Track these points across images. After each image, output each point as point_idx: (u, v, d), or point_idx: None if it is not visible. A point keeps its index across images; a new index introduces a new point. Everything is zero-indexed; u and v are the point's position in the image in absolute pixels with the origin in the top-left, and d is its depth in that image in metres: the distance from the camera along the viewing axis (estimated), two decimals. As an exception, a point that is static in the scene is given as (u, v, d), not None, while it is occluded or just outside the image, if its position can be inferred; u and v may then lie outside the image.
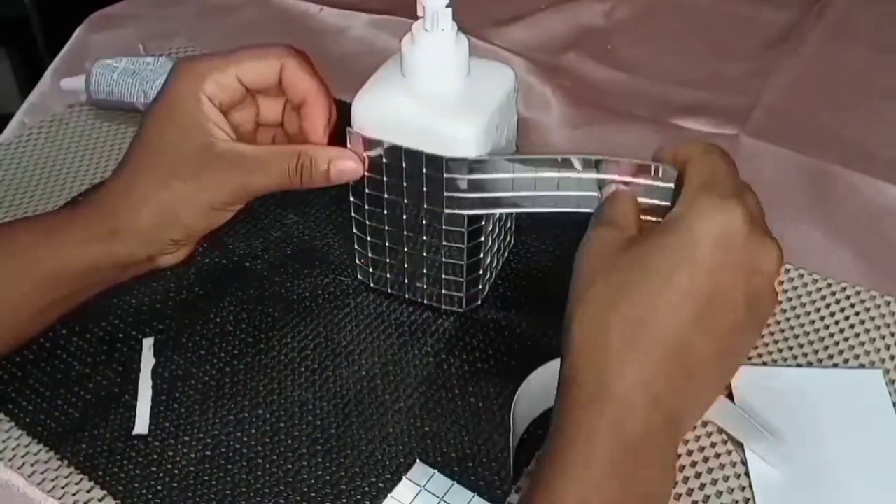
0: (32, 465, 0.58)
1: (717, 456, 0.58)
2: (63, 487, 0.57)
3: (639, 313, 0.47)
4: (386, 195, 0.61)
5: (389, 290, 0.67)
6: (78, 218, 0.59)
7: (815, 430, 0.59)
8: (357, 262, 0.67)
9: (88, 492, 0.56)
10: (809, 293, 0.68)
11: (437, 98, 0.57)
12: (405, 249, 0.63)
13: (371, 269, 0.66)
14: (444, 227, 0.61)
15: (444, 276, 0.64)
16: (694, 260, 0.47)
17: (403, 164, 0.58)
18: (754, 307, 0.49)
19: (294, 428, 0.59)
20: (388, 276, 0.66)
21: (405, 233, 0.62)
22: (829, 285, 0.68)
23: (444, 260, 0.63)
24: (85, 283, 0.60)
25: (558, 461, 0.46)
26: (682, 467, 0.57)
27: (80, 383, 0.62)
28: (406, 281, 0.65)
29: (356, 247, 0.66)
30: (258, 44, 0.59)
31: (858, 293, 0.67)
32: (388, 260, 0.65)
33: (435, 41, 0.56)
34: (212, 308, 0.66)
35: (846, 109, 0.86)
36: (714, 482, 0.57)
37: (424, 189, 0.59)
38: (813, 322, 0.66)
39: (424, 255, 0.63)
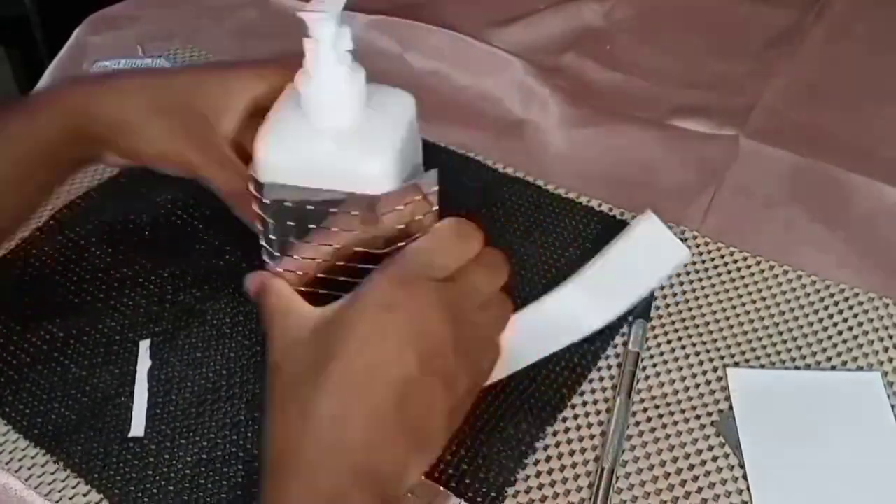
0: (29, 469, 0.58)
1: (715, 459, 0.58)
2: (60, 491, 0.57)
3: (306, 386, 0.47)
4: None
5: None
6: (58, 92, 0.64)
7: (813, 433, 0.59)
8: None
9: (85, 495, 0.56)
10: (808, 295, 0.68)
11: (341, 135, 0.53)
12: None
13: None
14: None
15: None
16: (355, 332, 0.47)
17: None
18: (441, 373, 0.48)
19: (291, 431, 0.59)
20: None
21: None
22: (828, 287, 0.68)
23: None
24: (54, 157, 0.62)
25: None
26: (680, 470, 0.57)
27: (76, 386, 0.62)
28: None
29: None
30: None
31: (857, 295, 0.67)
32: None
33: (329, 75, 0.53)
34: (208, 310, 0.66)
35: (846, 110, 0.86)
36: (712, 486, 0.57)
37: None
38: (812, 324, 0.66)
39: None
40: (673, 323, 0.66)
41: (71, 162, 0.64)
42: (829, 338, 0.65)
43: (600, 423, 0.60)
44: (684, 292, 0.68)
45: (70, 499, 0.56)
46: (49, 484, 0.57)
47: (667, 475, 0.57)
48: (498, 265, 0.53)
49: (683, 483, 0.57)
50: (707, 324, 0.66)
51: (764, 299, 0.67)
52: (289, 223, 0.54)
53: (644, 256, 0.68)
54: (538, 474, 0.57)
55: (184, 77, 0.64)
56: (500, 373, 0.56)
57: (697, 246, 0.71)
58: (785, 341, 0.65)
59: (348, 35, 0.52)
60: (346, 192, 0.52)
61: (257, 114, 0.58)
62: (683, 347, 0.64)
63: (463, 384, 0.50)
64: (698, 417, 0.60)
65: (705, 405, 0.61)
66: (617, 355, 0.64)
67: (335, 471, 0.45)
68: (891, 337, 0.64)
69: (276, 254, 0.55)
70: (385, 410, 0.46)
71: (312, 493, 0.45)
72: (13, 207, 0.63)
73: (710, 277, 0.69)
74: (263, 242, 0.56)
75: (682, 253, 0.67)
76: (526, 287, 0.68)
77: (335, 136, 0.53)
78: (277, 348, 0.50)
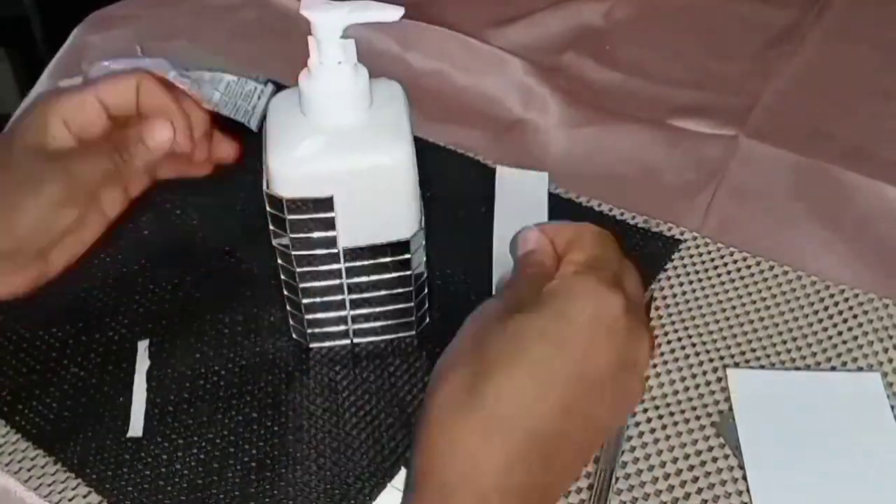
0: (29, 471, 0.58)
1: (715, 460, 0.58)
2: (60, 492, 0.57)
3: (501, 403, 0.44)
4: (317, 251, 0.58)
5: (331, 344, 0.64)
6: None
7: (813, 433, 0.59)
8: (291, 324, 0.63)
9: (85, 496, 0.56)
10: (808, 295, 0.67)
11: (359, 134, 0.54)
12: (347, 297, 0.60)
13: (308, 329, 0.63)
14: (389, 258, 0.59)
15: (392, 307, 0.62)
16: (564, 345, 0.45)
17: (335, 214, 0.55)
18: (620, 395, 0.48)
19: (288, 432, 0.59)
20: (329, 329, 0.63)
21: (344, 280, 0.59)
22: (828, 287, 0.68)
23: (391, 292, 0.61)
24: None
25: None
26: (680, 471, 0.57)
27: (76, 387, 0.62)
28: (350, 327, 0.63)
29: (289, 309, 0.62)
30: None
31: (857, 296, 0.67)
32: (326, 315, 0.62)
33: (333, 75, 0.53)
34: (207, 311, 0.66)
35: (845, 110, 0.86)
36: (711, 486, 0.56)
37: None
38: (811, 325, 0.66)
39: (368, 294, 0.61)
40: (673, 323, 0.66)
41: None
42: (829, 338, 0.65)
43: (600, 424, 0.60)
44: (684, 292, 0.68)
45: (70, 500, 0.56)
46: (49, 485, 0.57)
47: (667, 476, 0.57)
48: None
49: (683, 484, 0.57)
50: (707, 324, 0.66)
51: (764, 299, 0.67)
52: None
53: (521, 202, 0.73)
54: (538, 475, 0.57)
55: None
56: None
57: (697, 247, 0.71)
58: (785, 342, 0.65)
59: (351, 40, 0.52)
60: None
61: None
62: (683, 348, 0.64)
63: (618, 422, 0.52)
64: (698, 418, 0.60)
65: (705, 405, 0.61)
66: (617, 356, 0.64)
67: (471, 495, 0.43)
68: (891, 337, 0.64)
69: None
70: (568, 445, 0.45)
71: None
72: None
73: (709, 278, 0.69)
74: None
75: (544, 176, 0.75)
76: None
77: (343, 135, 0.53)
78: (479, 322, 0.48)
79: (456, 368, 0.46)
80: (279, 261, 0.59)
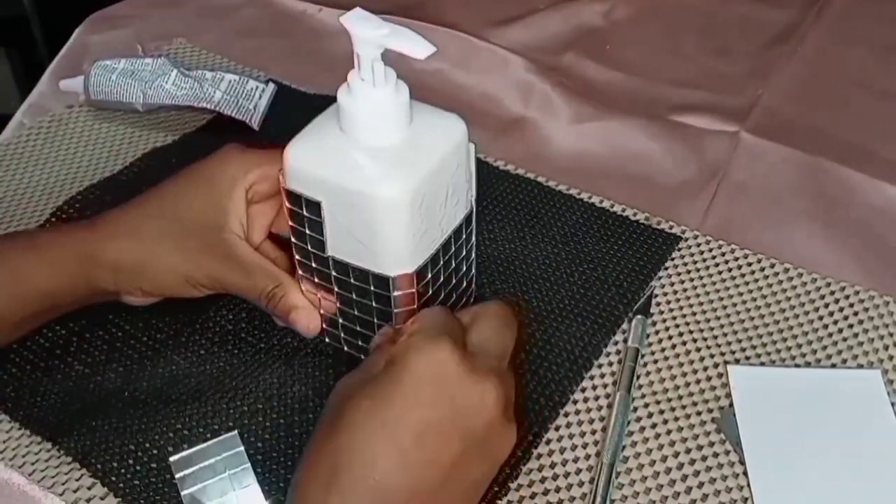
0: (33, 464, 0.58)
1: (716, 455, 0.58)
2: (63, 483, 0.57)
3: (337, 458, 0.46)
4: (311, 249, 0.57)
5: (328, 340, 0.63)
6: (75, 233, 0.62)
7: (813, 430, 0.59)
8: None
9: (90, 488, 0.56)
10: (808, 293, 0.68)
11: (369, 156, 0.52)
12: (337, 304, 0.59)
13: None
14: (373, 288, 0.56)
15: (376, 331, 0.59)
16: (396, 399, 0.47)
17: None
18: (478, 442, 0.48)
19: (294, 425, 0.59)
20: (326, 327, 0.62)
21: (334, 288, 0.58)
22: (829, 285, 0.68)
23: (375, 319, 0.58)
24: (59, 299, 0.61)
25: None
26: (681, 465, 0.57)
27: (79, 383, 0.62)
28: (340, 334, 0.61)
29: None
30: None
31: (857, 293, 0.67)
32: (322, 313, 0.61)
33: (370, 92, 0.51)
34: (211, 307, 0.66)
35: (845, 110, 0.86)
36: (712, 481, 0.57)
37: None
38: (812, 322, 0.66)
39: (355, 312, 0.59)
40: (674, 319, 0.66)
41: (74, 305, 0.63)
42: (830, 335, 0.65)
43: (601, 419, 0.60)
44: (685, 290, 0.68)
45: (74, 491, 0.56)
46: (52, 477, 0.57)
47: (668, 471, 0.57)
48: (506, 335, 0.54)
49: (684, 479, 0.57)
50: (708, 321, 0.66)
51: (764, 297, 0.68)
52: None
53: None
54: (540, 468, 0.57)
55: (175, 193, 0.61)
56: None
57: (698, 244, 0.72)
58: (785, 339, 0.65)
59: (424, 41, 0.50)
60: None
61: (259, 200, 0.61)
62: (684, 344, 0.64)
63: (488, 469, 0.51)
64: (699, 414, 0.60)
65: (706, 401, 0.61)
66: (618, 352, 0.64)
67: None
68: (891, 335, 0.65)
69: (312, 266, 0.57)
70: (423, 492, 0.47)
71: None
72: None
73: (710, 275, 0.69)
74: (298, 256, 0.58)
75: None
76: (526, 284, 0.68)
77: (367, 153, 0.52)
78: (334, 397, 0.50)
79: (314, 453, 0.48)
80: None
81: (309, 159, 0.53)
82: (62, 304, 0.62)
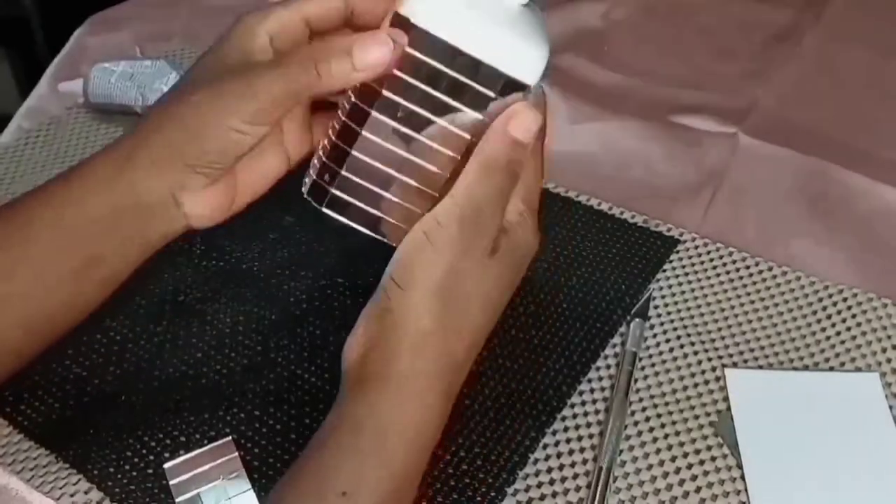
0: (31, 469, 0.58)
1: (713, 459, 0.58)
2: (61, 488, 0.57)
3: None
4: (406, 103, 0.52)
5: (348, 220, 0.55)
6: (99, 155, 0.56)
7: (811, 434, 0.59)
8: (314, 177, 0.55)
9: (86, 493, 0.56)
10: (806, 295, 0.68)
11: (508, 11, 0.51)
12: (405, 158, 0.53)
13: (334, 190, 0.54)
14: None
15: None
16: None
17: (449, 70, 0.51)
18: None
19: (290, 432, 0.59)
20: (356, 202, 0.54)
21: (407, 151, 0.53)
22: (827, 287, 0.68)
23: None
24: (112, 240, 0.55)
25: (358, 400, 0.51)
26: (679, 470, 0.57)
27: (77, 386, 0.62)
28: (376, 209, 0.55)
29: (325, 160, 0.55)
30: None
31: (856, 296, 0.67)
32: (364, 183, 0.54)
33: None
34: (209, 310, 0.67)
35: (844, 110, 0.86)
36: (710, 485, 0.57)
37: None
38: (810, 325, 0.66)
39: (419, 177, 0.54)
40: (672, 322, 0.66)
41: (125, 265, 0.58)
42: (828, 338, 0.65)
43: (599, 423, 0.60)
44: (683, 292, 0.68)
45: (71, 496, 0.56)
46: (50, 482, 0.57)
47: (665, 475, 0.57)
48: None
49: (682, 483, 0.57)
50: (706, 324, 0.66)
51: (763, 300, 0.67)
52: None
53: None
54: (537, 473, 0.57)
55: (191, 76, 0.56)
56: None
57: (696, 246, 0.71)
58: (783, 342, 0.65)
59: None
60: (497, 71, 0.50)
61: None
62: (682, 347, 0.64)
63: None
64: (696, 417, 0.60)
65: (703, 405, 0.61)
66: (615, 355, 0.64)
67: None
68: (889, 338, 0.65)
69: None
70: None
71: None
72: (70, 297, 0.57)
73: (708, 277, 0.69)
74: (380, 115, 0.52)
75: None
76: (523, 287, 0.68)
77: (503, 9, 0.51)
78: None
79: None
80: (352, 98, 0.53)
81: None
82: (115, 248, 0.56)
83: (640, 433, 0.59)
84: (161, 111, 0.55)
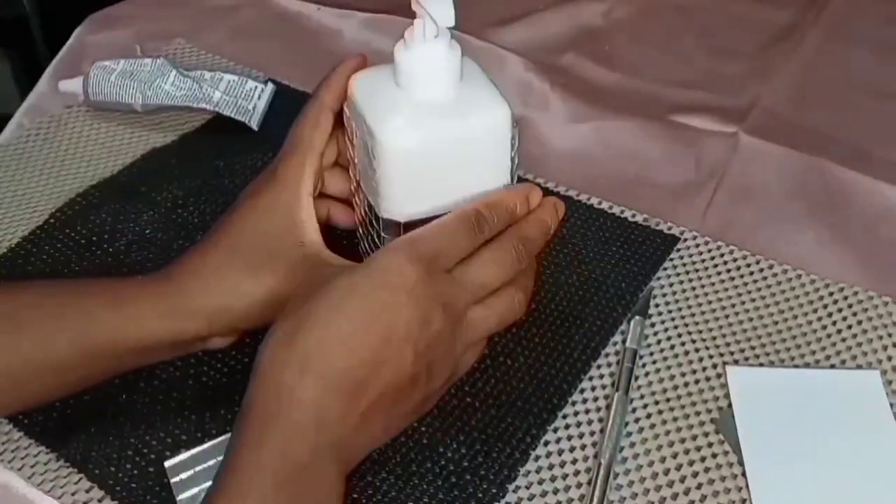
0: (32, 467, 0.58)
1: (714, 456, 0.58)
2: (62, 487, 0.57)
3: (317, 344, 0.49)
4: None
5: None
6: (150, 287, 0.58)
7: (812, 431, 0.59)
8: (359, 248, 0.65)
9: (87, 492, 0.56)
10: (807, 293, 0.68)
11: (396, 101, 0.55)
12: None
13: (368, 249, 0.63)
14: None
15: None
16: (369, 301, 0.50)
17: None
18: (424, 361, 0.51)
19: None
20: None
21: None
22: (828, 286, 0.68)
23: None
24: (139, 357, 0.59)
25: (224, 488, 0.47)
26: (680, 466, 0.57)
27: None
28: None
29: (358, 231, 0.64)
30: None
31: (856, 294, 0.67)
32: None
33: (416, 43, 0.54)
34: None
35: (845, 110, 0.86)
36: (711, 482, 0.57)
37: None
38: (811, 322, 0.66)
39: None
40: (673, 320, 0.66)
41: (147, 360, 0.61)
42: (829, 336, 0.65)
43: (600, 420, 0.60)
44: (683, 290, 0.68)
45: (72, 495, 0.56)
46: (51, 481, 0.57)
47: (666, 472, 0.57)
48: (506, 263, 0.55)
49: (683, 479, 0.57)
50: (706, 321, 0.66)
51: (763, 297, 0.67)
52: None
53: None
54: (538, 470, 0.57)
55: (244, 219, 0.60)
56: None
57: (697, 245, 0.72)
58: (784, 339, 0.65)
59: (451, 11, 0.52)
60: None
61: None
62: (683, 344, 0.64)
63: (443, 378, 0.53)
64: (698, 414, 0.60)
65: (705, 402, 0.61)
66: (616, 353, 0.64)
67: (318, 435, 0.48)
68: (890, 335, 0.65)
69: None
70: (372, 401, 0.49)
71: (295, 449, 0.48)
72: (62, 388, 0.59)
73: (709, 276, 0.69)
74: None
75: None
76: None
77: (399, 99, 0.55)
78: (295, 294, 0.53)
79: (280, 323, 0.51)
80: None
81: (359, 88, 0.57)
82: (139, 360, 0.60)
83: (641, 430, 0.59)
84: (218, 271, 0.58)
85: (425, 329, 0.50)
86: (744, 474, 0.57)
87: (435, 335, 0.50)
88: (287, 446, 0.47)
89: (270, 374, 0.49)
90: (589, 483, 0.56)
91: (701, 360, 0.63)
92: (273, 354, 0.50)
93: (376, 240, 0.59)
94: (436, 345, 0.51)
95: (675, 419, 0.60)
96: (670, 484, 0.57)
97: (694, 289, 0.68)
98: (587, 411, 0.61)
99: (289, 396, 0.48)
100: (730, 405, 0.61)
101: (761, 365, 0.63)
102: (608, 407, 0.60)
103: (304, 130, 0.61)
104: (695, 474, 0.57)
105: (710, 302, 0.67)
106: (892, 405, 0.60)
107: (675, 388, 0.62)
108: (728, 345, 0.64)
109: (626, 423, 0.60)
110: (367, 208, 0.59)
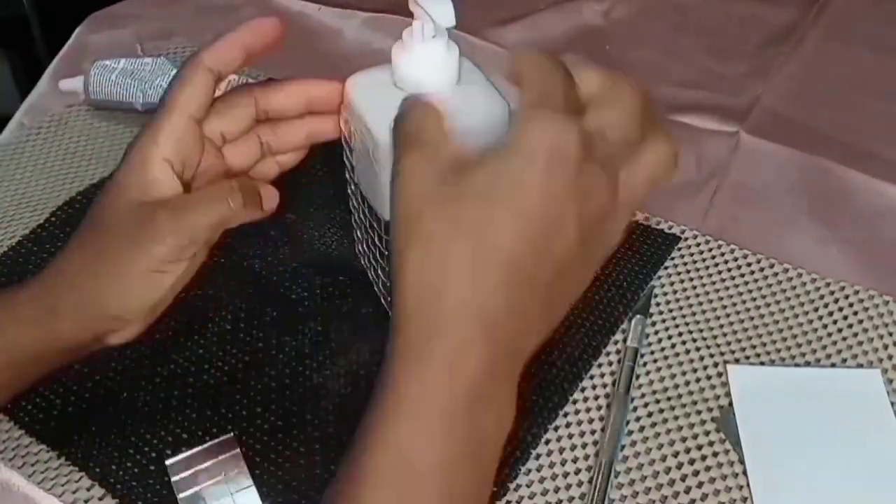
0: (33, 465, 0.58)
1: (715, 455, 0.58)
2: (63, 485, 0.57)
3: (471, 246, 0.42)
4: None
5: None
6: (21, 296, 0.54)
7: (813, 430, 0.59)
8: (356, 248, 0.65)
9: (88, 489, 0.56)
10: (808, 292, 0.68)
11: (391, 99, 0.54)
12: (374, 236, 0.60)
13: (366, 251, 0.63)
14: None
15: None
16: (524, 182, 0.42)
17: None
18: (588, 235, 0.43)
19: (292, 428, 0.59)
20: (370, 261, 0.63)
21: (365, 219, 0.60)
22: (828, 284, 0.68)
23: None
24: (30, 368, 0.56)
25: (388, 415, 0.42)
26: (681, 465, 0.57)
27: (79, 382, 0.62)
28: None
29: (356, 233, 0.64)
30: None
31: (857, 292, 0.67)
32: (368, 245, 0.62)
33: (425, 49, 0.54)
34: (210, 308, 0.66)
35: (845, 109, 0.86)
36: (712, 481, 0.57)
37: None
38: (811, 321, 0.66)
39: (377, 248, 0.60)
40: (674, 319, 0.66)
41: (49, 366, 0.57)
42: (829, 335, 0.65)
43: (601, 419, 0.60)
44: (685, 289, 0.68)
45: (73, 493, 0.56)
46: (52, 479, 0.57)
47: (667, 470, 0.57)
48: (625, 100, 0.46)
49: (684, 478, 0.57)
50: (707, 320, 0.66)
51: (764, 296, 0.67)
52: None
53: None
54: (539, 468, 0.57)
55: (96, 208, 0.55)
56: None
57: (698, 244, 0.72)
58: (785, 338, 0.65)
59: (451, 11, 0.51)
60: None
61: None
62: (684, 343, 0.64)
63: (601, 255, 0.46)
64: (699, 413, 0.60)
65: (706, 401, 0.61)
66: (617, 351, 0.64)
67: (490, 347, 0.42)
68: (891, 334, 0.65)
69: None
70: (541, 284, 0.43)
71: (465, 366, 0.41)
72: None
73: (710, 275, 0.69)
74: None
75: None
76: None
77: (394, 96, 0.53)
78: (414, 191, 0.45)
79: (418, 232, 0.44)
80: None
81: (356, 90, 0.56)
82: (33, 371, 0.56)
83: (642, 429, 0.59)
84: (74, 259, 0.54)
85: (585, 203, 0.43)
86: (744, 473, 0.57)
87: (598, 209, 0.44)
88: (456, 367, 0.41)
89: (422, 291, 0.43)
90: (590, 482, 0.56)
91: (702, 358, 0.63)
92: (422, 269, 0.43)
93: (377, 241, 0.59)
94: (593, 214, 0.43)
95: (675, 418, 0.60)
96: (671, 483, 0.57)
97: (695, 288, 0.68)
98: (588, 410, 0.61)
99: (449, 309, 0.42)
100: (730, 404, 0.61)
101: (762, 364, 0.63)
102: (609, 406, 0.60)
103: (172, 90, 0.55)
104: (695, 473, 0.57)
105: (711, 301, 0.67)
106: (892, 404, 0.60)
107: (676, 386, 0.62)
108: (729, 343, 0.64)
109: (627, 422, 0.60)
110: (366, 210, 0.59)
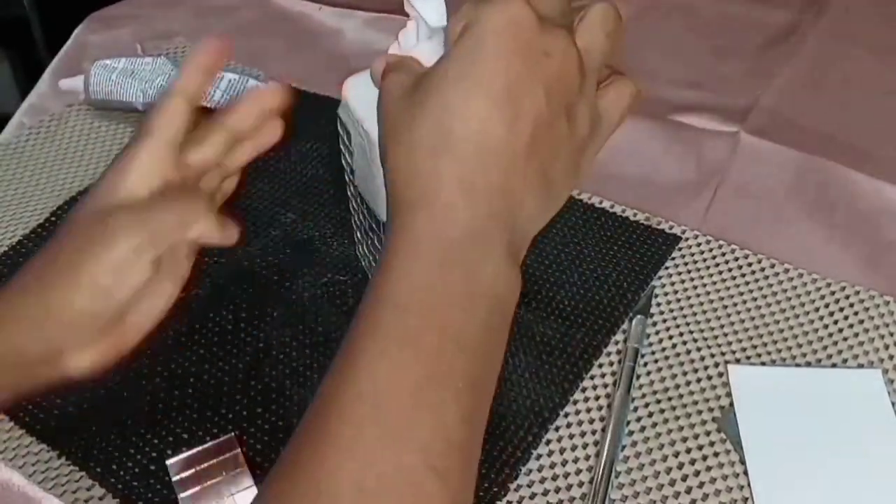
0: (33, 465, 0.58)
1: (716, 454, 0.58)
2: (63, 485, 0.57)
3: (440, 121, 0.44)
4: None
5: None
6: None
7: (814, 429, 0.59)
8: (357, 250, 0.65)
9: (89, 489, 0.56)
10: (809, 293, 0.68)
11: None
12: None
13: (367, 254, 0.64)
14: None
15: None
16: (480, 54, 0.44)
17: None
18: (557, 100, 0.45)
19: (292, 428, 0.59)
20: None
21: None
22: (829, 285, 0.68)
23: None
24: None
25: (384, 272, 0.43)
26: (682, 465, 0.57)
27: (80, 383, 0.62)
28: None
29: (356, 235, 0.64)
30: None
31: (858, 293, 0.67)
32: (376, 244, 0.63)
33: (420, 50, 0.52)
34: (210, 308, 0.66)
35: (845, 109, 0.86)
36: (713, 480, 0.57)
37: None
38: (812, 322, 0.66)
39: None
40: (675, 319, 0.66)
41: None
42: (830, 335, 0.65)
43: (601, 419, 0.60)
44: (685, 289, 0.68)
45: (73, 492, 0.56)
46: (52, 479, 0.57)
47: (668, 470, 0.57)
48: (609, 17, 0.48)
49: (684, 478, 0.57)
50: (708, 320, 0.66)
51: (765, 297, 0.67)
52: None
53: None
54: (540, 468, 0.57)
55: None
56: None
57: (698, 244, 0.71)
58: (786, 339, 0.65)
59: (443, 11, 0.51)
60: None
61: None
62: (685, 343, 0.64)
63: (586, 124, 0.47)
64: (699, 413, 0.60)
65: (707, 401, 0.61)
66: (618, 351, 0.64)
67: (472, 207, 0.43)
68: (891, 334, 0.65)
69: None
70: (518, 148, 0.44)
71: (449, 226, 0.43)
72: None
73: (710, 275, 0.69)
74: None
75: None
76: (526, 285, 0.68)
77: None
78: (393, 98, 0.47)
79: (394, 131, 0.46)
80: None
81: (353, 92, 0.56)
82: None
83: (643, 429, 0.59)
84: (34, 265, 0.51)
85: (545, 62, 0.44)
86: (745, 472, 0.57)
87: (557, 68, 0.44)
88: (441, 228, 0.43)
89: (406, 173, 0.45)
90: (591, 481, 0.56)
91: (703, 358, 0.63)
92: (401, 155, 0.45)
93: (376, 243, 0.59)
94: (558, 70, 0.44)
95: (676, 418, 0.60)
96: (672, 482, 0.57)
97: (695, 288, 0.68)
98: (589, 410, 0.60)
99: (430, 178, 0.44)
100: (731, 404, 0.61)
101: (763, 364, 0.63)
102: (610, 405, 0.60)
103: (149, 119, 0.54)
104: (696, 473, 0.57)
105: (711, 301, 0.67)
106: (893, 404, 0.60)
107: (677, 386, 0.62)
108: (730, 343, 0.64)
109: (628, 422, 0.60)
110: (365, 212, 0.59)
